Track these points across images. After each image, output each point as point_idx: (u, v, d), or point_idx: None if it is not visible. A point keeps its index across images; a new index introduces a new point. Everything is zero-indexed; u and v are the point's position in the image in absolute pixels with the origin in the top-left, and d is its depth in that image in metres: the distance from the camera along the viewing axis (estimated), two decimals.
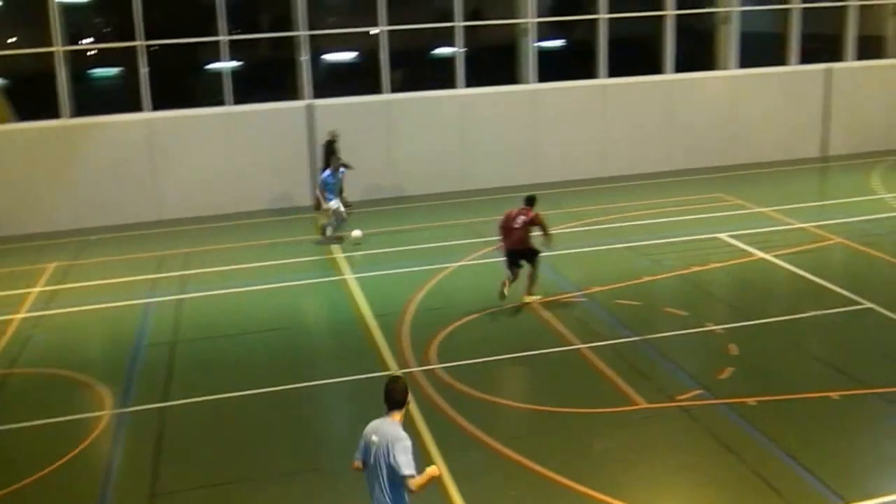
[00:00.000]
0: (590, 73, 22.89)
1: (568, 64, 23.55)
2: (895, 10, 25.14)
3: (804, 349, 11.86)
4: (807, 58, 24.31)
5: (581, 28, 23.37)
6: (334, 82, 21.78)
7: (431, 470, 6.51)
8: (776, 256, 15.65)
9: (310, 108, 20.91)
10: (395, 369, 11.43)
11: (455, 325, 12.99)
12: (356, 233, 17.65)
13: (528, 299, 13.75)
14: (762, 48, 24.85)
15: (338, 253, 17.01)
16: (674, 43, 23.18)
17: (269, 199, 20.85)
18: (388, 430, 6.47)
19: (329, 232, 17.86)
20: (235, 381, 11.44)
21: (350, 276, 15.53)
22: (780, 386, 10.67)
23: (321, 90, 21.18)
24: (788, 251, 15.92)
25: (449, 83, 21.96)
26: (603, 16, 22.56)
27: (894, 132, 24.85)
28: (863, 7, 24.76)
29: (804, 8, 24.04)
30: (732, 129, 23.64)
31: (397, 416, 6.57)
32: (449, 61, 22.00)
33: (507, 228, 13.66)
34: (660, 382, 10.90)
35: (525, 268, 13.81)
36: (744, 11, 23.78)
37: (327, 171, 17.99)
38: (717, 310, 13.52)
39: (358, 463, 6.66)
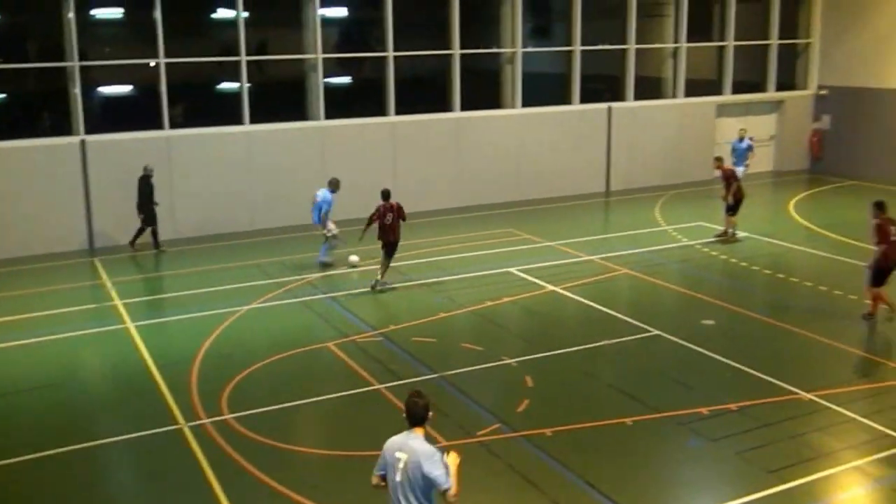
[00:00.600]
0: (379, 110, 23.17)
1: (357, 101, 23.75)
2: (673, 52, 27.09)
3: (597, 378, 12.38)
4: (590, 97, 25.73)
5: (370, 65, 23.65)
6: (110, 116, 20.85)
7: (454, 460, 6.72)
8: (566, 289, 16.32)
9: (83, 145, 19.90)
10: (183, 422, 10.93)
11: (248, 372, 12.63)
12: (353, 258, 17.95)
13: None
14: (547, 88, 26.11)
15: (118, 300, 16.17)
16: (461, 81, 23.87)
17: (41, 242, 19.58)
18: (416, 447, 6.69)
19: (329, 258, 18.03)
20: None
21: (132, 325, 14.79)
22: (576, 415, 11.06)
23: (96, 125, 20.22)
24: (578, 283, 16.65)
25: (235, 119, 21.56)
26: (391, 53, 22.94)
27: (672, 168, 26.70)
28: (641, 50, 26.53)
29: (585, 50, 25.44)
30: (520, 166, 24.59)
31: (420, 432, 6.79)
32: (234, 96, 21.62)
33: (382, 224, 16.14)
34: (459, 419, 11.02)
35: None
36: (528, 52, 24.86)
37: (328, 193, 17.67)
38: (512, 343, 13.90)
39: (378, 479, 6.85)
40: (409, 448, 6.68)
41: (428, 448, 6.67)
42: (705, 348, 13.24)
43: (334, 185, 17.92)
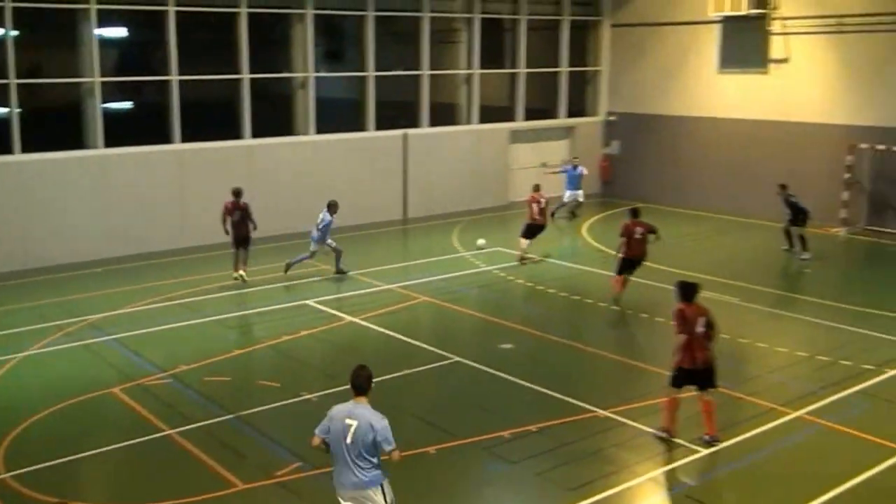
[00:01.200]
0: (164, 136, 22.55)
1: (139, 127, 23.00)
2: (466, 79, 27.93)
3: (400, 408, 12.45)
4: (385, 124, 26.10)
5: (154, 89, 22.99)
6: None
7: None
8: (365, 319, 16.43)
9: None
10: None
11: (26, 425, 11.90)
12: (480, 241, 21.71)
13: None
14: (342, 114, 26.28)
15: None
16: (252, 107, 23.64)
17: None
18: (365, 413, 7.84)
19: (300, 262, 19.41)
20: None
21: None
22: None
23: None
24: (377, 313, 16.80)
25: (4, 148, 20.37)
26: (175, 77, 22.41)
27: (469, 194, 27.47)
28: (436, 76, 27.20)
29: (379, 75, 25.81)
30: (315, 194, 24.50)
31: (364, 400, 7.95)
32: (3, 123, 20.44)
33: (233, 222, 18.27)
34: (257, 460, 10.85)
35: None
36: (321, 77, 24.95)
37: (327, 215, 19.14)
38: (311, 378, 13.83)
39: (319, 440, 7.95)
40: (359, 414, 7.83)
41: (377, 414, 7.88)
42: (505, 372, 13.67)
43: (333, 208, 19.34)
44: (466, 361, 14.17)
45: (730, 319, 16.63)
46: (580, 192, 26.26)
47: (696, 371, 11.14)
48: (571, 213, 26.24)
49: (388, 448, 7.80)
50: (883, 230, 24.05)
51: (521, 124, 29.08)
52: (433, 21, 26.76)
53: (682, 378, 11.23)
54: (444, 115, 27.68)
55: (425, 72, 26.71)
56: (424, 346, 14.90)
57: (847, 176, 24.23)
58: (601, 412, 12.14)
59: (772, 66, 26.16)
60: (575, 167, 26.39)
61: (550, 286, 18.81)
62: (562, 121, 30.13)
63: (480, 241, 21.92)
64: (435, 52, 27.04)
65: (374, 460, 7.84)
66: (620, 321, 16.64)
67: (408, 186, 26.42)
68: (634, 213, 17.57)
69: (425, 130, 26.85)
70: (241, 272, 18.86)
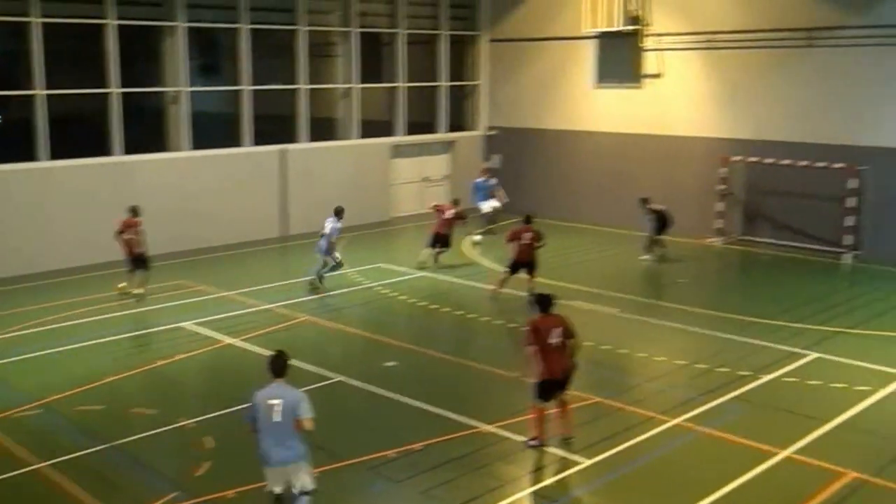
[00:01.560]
0: (28, 154, 21.84)
1: (2, 145, 22.22)
2: (344, 93, 27.94)
3: None
4: (263, 139, 25.88)
5: (17, 104, 22.25)
6: None
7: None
8: (245, 340, 16.27)
9: None
10: None
11: None
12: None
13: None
14: (217, 129, 25.96)
15: None
16: (124, 122, 23.12)
17: None
18: (288, 391, 8.96)
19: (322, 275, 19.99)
20: None
21: None
22: (260, 474, 11.03)
23: None
24: (257, 334, 16.65)
25: None
26: (40, 91, 21.76)
27: (350, 209, 27.06)
28: (314, 90, 27.12)
29: (256, 89, 25.61)
30: (191, 213, 24.18)
31: (282, 381, 9.03)
32: None
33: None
34: (132, 491, 10.64)
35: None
36: (195, 91, 24.60)
37: (336, 221, 19.85)
38: (189, 403, 13.61)
39: (250, 427, 8.96)
40: (281, 393, 8.90)
41: (298, 391, 9.05)
42: (389, 390, 13.74)
43: (341, 214, 20.10)
44: (350, 381, 14.19)
45: (610, 330, 17.16)
46: (494, 202, 26.79)
47: (558, 381, 11.60)
48: (490, 225, 26.36)
49: (307, 416, 8.85)
50: (756, 240, 25.08)
51: (402, 139, 29.27)
52: (310, 35, 26.72)
53: (545, 390, 11.62)
54: (324, 129, 27.64)
55: (303, 86, 26.63)
56: (306, 366, 14.78)
57: (721, 188, 25.21)
58: (485, 427, 12.33)
59: (646, 80, 27.06)
60: (486, 179, 26.95)
61: (433, 302, 18.97)
62: (443, 135, 30.44)
63: (476, 238, 23.85)
64: (313, 66, 27.00)
65: (300, 436, 8.91)
66: (504, 335, 16.91)
67: (287, 202, 26.26)
68: (527, 219, 19.12)
69: (304, 146, 26.75)
70: (124, 284, 19.22)
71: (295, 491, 9.03)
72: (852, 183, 22.77)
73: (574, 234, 26.45)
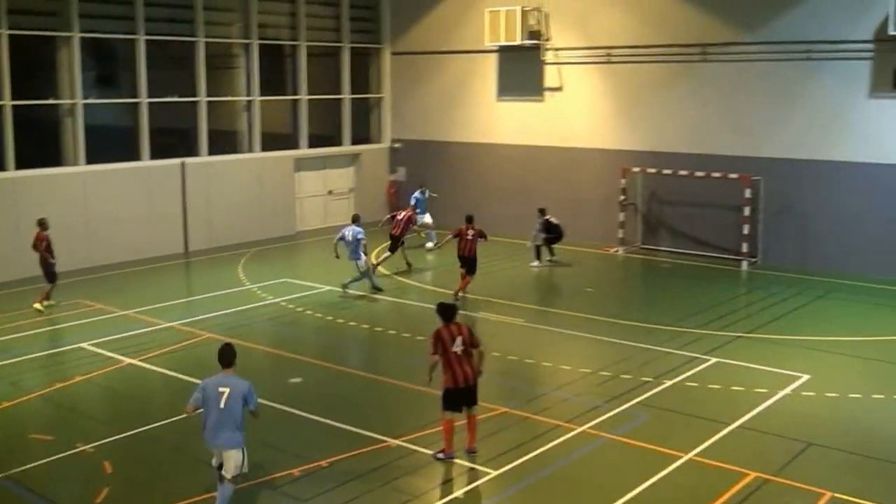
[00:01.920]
0: None
1: None
2: (246, 105, 27.59)
3: (186, 452, 12.08)
4: (162, 152, 25.35)
5: None
6: None
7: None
8: (145, 360, 15.87)
9: None
10: None
11: None
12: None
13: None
14: (114, 142, 25.33)
15: None
16: (14, 136, 22.38)
17: None
18: (235, 381, 9.74)
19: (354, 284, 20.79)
20: None
21: None
22: (163, 495, 10.77)
23: None
24: (158, 353, 16.26)
25: None
26: None
27: (254, 224, 27.09)
28: (215, 103, 26.72)
29: (154, 102, 25.09)
30: (89, 229, 23.54)
31: (231, 371, 9.84)
32: None
33: None
34: None
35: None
36: (91, 104, 23.96)
37: (358, 228, 20.65)
38: (88, 427, 13.17)
39: (192, 409, 9.77)
40: (230, 383, 9.68)
41: (245, 380, 9.81)
42: (294, 407, 13.55)
43: (358, 220, 21.07)
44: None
45: (516, 341, 17.29)
46: (428, 216, 26.61)
47: (461, 389, 11.56)
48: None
49: (253, 406, 9.82)
50: (657, 248, 25.61)
51: (305, 152, 29.04)
52: (210, 46, 26.34)
53: (451, 399, 11.60)
54: (225, 143, 27.25)
55: (202, 98, 26.20)
56: None
57: (622, 198, 25.67)
58: (392, 441, 12.25)
59: (547, 94, 27.43)
60: (423, 192, 26.79)
61: (340, 316, 18.83)
62: (347, 148, 30.31)
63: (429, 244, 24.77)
64: (213, 78, 26.60)
65: (240, 425, 9.67)
66: (411, 348, 16.86)
67: (188, 218, 25.76)
68: (469, 219, 20.93)
69: (205, 159, 26.30)
70: (38, 304, 19.17)
71: (224, 473, 9.74)
72: (747, 193, 23.42)
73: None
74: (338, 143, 30.18)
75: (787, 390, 14.35)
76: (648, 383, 14.64)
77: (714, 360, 15.87)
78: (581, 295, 21.24)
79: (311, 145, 29.20)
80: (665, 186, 25.29)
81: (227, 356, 9.89)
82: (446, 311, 11.84)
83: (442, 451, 11.68)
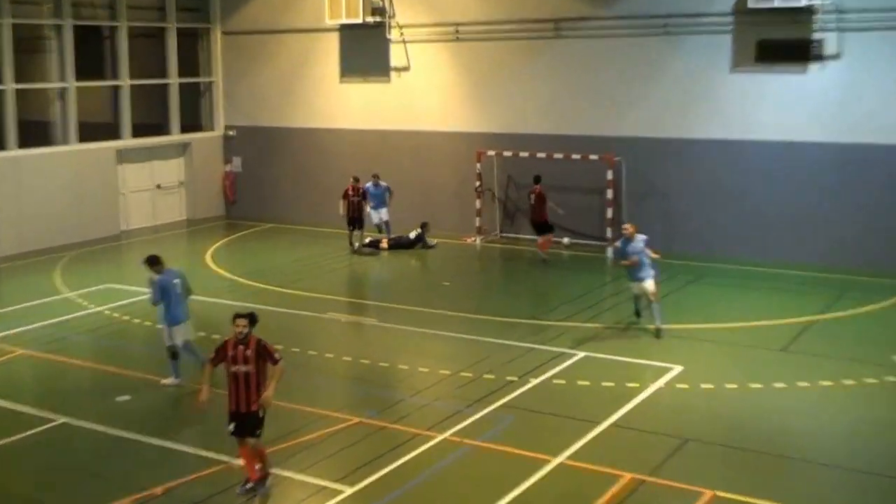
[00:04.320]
0: None
1: None
2: (60, 93, 26.22)
3: None
4: None
5: None
6: None
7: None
8: None
9: None
10: None
11: None
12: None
13: None
14: None
15: None
16: None
17: None
18: (178, 272, 14.60)
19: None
20: None
21: None
22: None
23: None
24: None
25: None
26: None
27: (71, 224, 25.79)
28: (23, 90, 25.30)
29: None
30: None
31: (171, 267, 14.76)
32: None
33: None
34: None
35: None
36: None
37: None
38: None
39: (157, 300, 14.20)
40: (177, 274, 14.54)
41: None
42: (122, 429, 12.84)
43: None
44: (75, 422, 13.12)
45: (368, 343, 16.99)
46: (385, 211, 25.09)
47: (241, 414, 10.78)
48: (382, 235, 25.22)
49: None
50: (517, 236, 25.67)
51: (128, 142, 27.87)
52: (17, 28, 24.95)
53: (235, 426, 10.85)
54: (37, 134, 25.88)
55: (9, 86, 24.76)
56: (23, 408, 13.64)
57: (477, 184, 25.61)
58: (235, 462, 11.64)
59: (393, 74, 27.15)
60: (376, 185, 25.01)
61: None
62: (176, 137, 29.30)
63: (566, 240, 24.21)
64: (21, 63, 25.20)
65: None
66: None
67: None
68: (537, 179, 22.86)
69: (13, 153, 24.89)
70: None
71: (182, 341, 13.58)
72: (609, 174, 23.73)
73: (324, 240, 26.11)
74: (165, 131, 29.15)
75: (660, 383, 14.47)
76: (513, 383, 14.51)
77: (582, 354, 15.89)
78: (437, 289, 21.05)
79: (136, 135, 28.06)
80: (523, 170, 25.33)
81: (158, 260, 14.38)
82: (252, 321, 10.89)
83: (248, 481, 10.91)
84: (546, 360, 15.57)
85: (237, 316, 10.82)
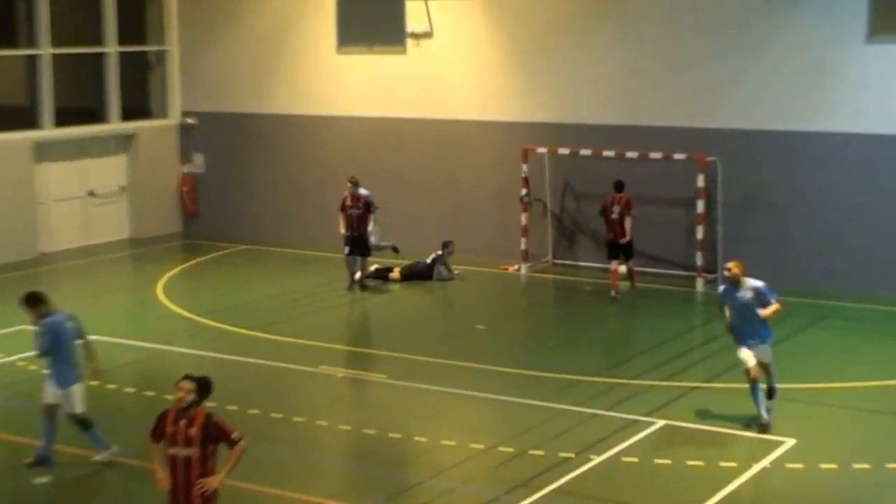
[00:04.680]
0: None
1: None
2: None
3: None
4: None
5: None
6: None
7: None
8: None
9: None
10: None
11: None
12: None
13: None
14: None
15: None
16: None
17: None
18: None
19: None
20: None
21: None
22: None
23: None
24: None
25: None
26: None
27: None
28: None
29: None
30: None
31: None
32: None
33: None
34: None
35: None
36: None
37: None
38: None
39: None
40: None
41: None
42: None
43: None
44: None
45: (376, 406, 17.29)
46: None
47: None
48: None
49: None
50: (576, 264, 25.84)
51: (51, 133, 28.34)
52: None
53: None
54: None
55: None
56: None
57: (523, 193, 25.81)
58: None
59: (410, 42, 27.49)
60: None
61: (110, 378, 18.32)
62: (115, 126, 29.77)
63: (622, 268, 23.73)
64: None
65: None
66: None
67: None
68: (619, 186, 23.24)
69: None
70: None
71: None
72: (700, 180, 23.95)
73: (315, 267, 26.45)
74: (101, 118, 29.63)
75: (766, 462, 14.60)
76: (569, 461, 14.68)
77: (661, 422, 16.08)
78: (468, 335, 21.28)
79: (60, 123, 28.53)
80: (584, 174, 25.54)
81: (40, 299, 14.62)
82: (202, 388, 10.62)
83: None
84: (613, 431, 15.75)
85: (184, 378, 10.49)
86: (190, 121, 30.69)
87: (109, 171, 29.88)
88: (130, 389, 18.09)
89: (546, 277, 25.63)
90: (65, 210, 28.77)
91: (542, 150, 25.80)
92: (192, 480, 10.22)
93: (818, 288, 23.03)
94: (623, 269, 23.57)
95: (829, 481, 14.19)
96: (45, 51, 28.22)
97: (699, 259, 24.04)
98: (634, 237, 23.25)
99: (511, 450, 15.22)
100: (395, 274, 24.94)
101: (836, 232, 23.40)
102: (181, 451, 10.21)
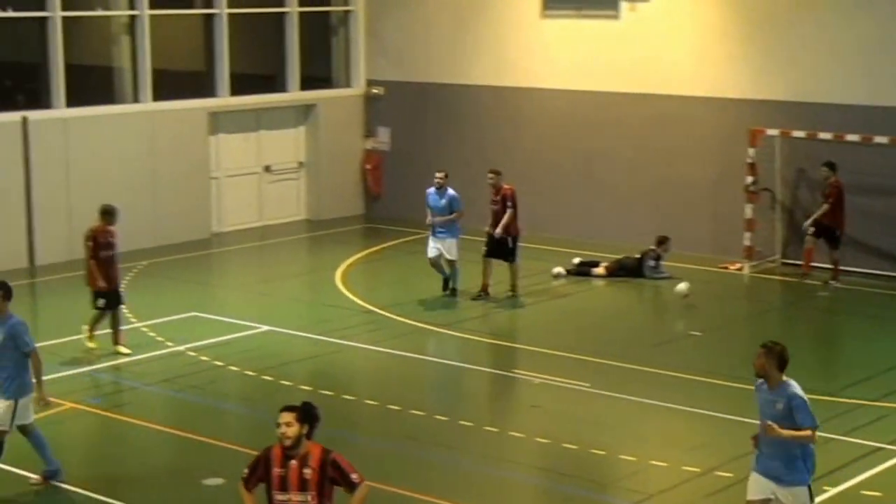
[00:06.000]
0: None
1: None
2: (128, 25, 27.39)
3: None
4: None
5: None
6: None
7: None
8: None
9: None
10: None
11: None
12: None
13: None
14: None
15: None
16: None
17: None
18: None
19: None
20: None
21: None
22: None
23: None
24: None
25: None
26: None
27: (141, 222, 26.53)
28: (73, 20, 26.52)
29: None
30: None
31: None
32: None
33: None
34: None
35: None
36: None
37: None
38: None
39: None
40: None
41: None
42: None
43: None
44: None
45: (576, 418, 17.29)
46: (453, 244, 24.03)
47: None
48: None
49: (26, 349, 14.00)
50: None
51: (226, 101, 28.94)
52: None
53: None
54: (93, 86, 27.22)
55: (56, 13, 26.10)
56: (78, 489, 14.46)
57: (750, 181, 25.60)
58: None
59: (625, 6, 27.44)
60: (440, 189, 24.32)
61: (284, 374, 18.66)
62: (294, 95, 30.32)
63: (681, 287, 23.29)
64: None
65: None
66: (414, 429, 16.74)
67: (33, 211, 25.67)
68: (832, 165, 23.92)
69: (60, 113, 26.29)
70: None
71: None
72: None
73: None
74: (279, 87, 30.17)
75: None
76: None
77: None
78: (682, 341, 21.21)
79: (236, 91, 29.10)
80: (822, 161, 25.20)
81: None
82: (309, 416, 9.92)
83: None
84: (851, 459, 15.55)
85: (281, 410, 9.81)
86: (376, 91, 31.06)
87: (287, 146, 30.47)
88: (306, 387, 18.37)
89: (773, 279, 25.33)
90: (238, 186, 29.42)
91: (772, 132, 25.54)
92: None
93: None
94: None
95: None
96: (223, 10, 28.76)
97: None
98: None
99: (730, 475, 15.09)
100: (601, 270, 24.93)
101: None
102: (294, 498, 9.65)
